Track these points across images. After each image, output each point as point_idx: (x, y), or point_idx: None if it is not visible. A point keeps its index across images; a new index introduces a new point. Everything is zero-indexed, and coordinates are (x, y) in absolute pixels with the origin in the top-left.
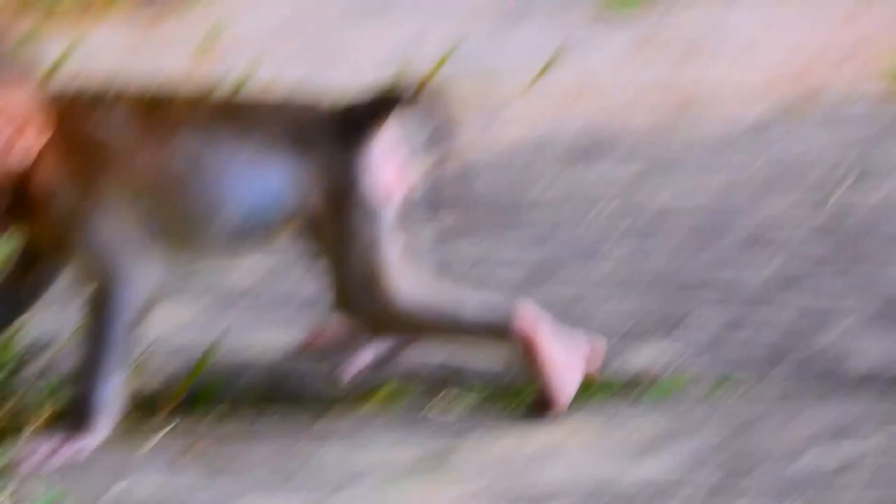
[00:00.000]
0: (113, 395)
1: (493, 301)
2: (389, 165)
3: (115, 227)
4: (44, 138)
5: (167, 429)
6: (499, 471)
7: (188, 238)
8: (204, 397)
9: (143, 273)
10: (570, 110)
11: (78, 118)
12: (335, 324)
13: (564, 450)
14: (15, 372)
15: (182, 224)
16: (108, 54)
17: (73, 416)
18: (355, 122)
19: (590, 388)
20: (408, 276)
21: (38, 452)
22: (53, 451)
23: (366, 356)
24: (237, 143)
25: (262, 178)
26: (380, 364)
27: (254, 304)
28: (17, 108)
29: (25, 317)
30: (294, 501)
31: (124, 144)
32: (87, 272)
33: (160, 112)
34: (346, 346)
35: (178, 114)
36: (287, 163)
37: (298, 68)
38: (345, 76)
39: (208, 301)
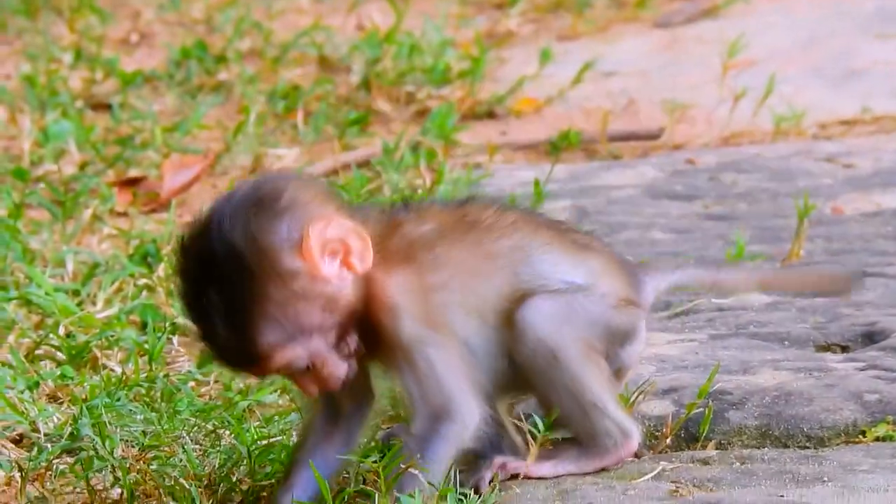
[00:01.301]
0: None
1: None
2: None
3: (452, 352)
4: (370, 260)
5: (653, 472)
6: None
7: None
8: (692, 439)
9: (473, 409)
10: None
11: (401, 233)
12: None
13: None
14: None
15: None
16: (632, 55)
17: None
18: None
19: None
20: None
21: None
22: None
23: None
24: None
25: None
26: None
27: (746, 343)
28: (340, 234)
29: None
30: None
31: (449, 252)
32: (419, 397)
33: (474, 218)
34: None
35: (491, 220)
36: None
37: (811, 90)
38: (856, 101)
39: (699, 340)
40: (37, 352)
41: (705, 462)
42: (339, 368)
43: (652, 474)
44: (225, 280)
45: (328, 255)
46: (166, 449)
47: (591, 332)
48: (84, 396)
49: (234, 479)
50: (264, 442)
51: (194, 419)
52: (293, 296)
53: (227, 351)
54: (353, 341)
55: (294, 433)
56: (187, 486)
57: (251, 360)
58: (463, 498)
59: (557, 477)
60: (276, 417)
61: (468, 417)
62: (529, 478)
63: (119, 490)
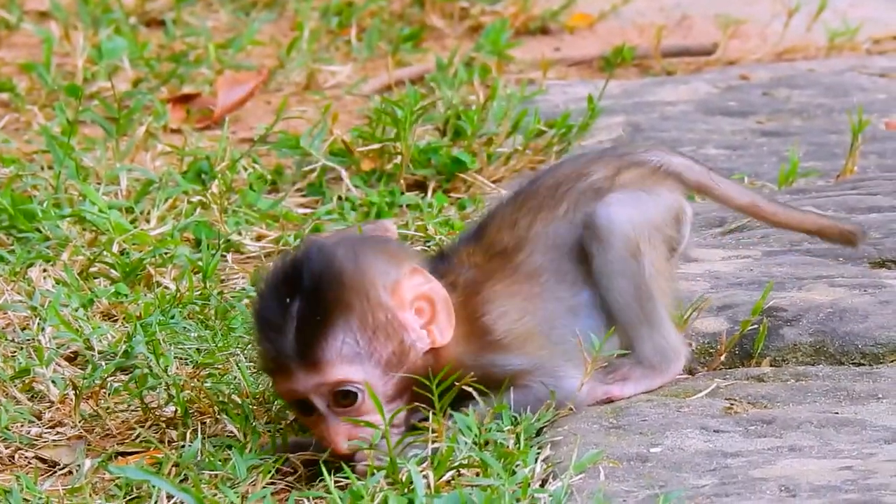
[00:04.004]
0: None
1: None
2: None
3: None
4: (449, 335)
5: (707, 389)
6: None
7: None
8: (746, 356)
9: (572, 377)
10: None
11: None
12: None
13: None
14: None
15: None
16: None
17: None
18: None
19: None
20: None
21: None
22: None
23: None
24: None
25: None
26: None
27: (800, 259)
28: (433, 296)
29: None
30: (833, 464)
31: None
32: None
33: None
34: None
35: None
36: None
37: (865, 5)
38: None
39: (753, 257)
40: (91, 269)
41: (760, 379)
42: (360, 430)
43: (706, 391)
44: (316, 289)
45: (415, 310)
46: (220, 366)
47: (663, 222)
48: (138, 314)
49: None
50: None
51: (248, 336)
52: (375, 320)
53: (288, 349)
54: (402, 413)
55: None
56: (241, 404)
57: (312, 361)
58: (517, 416)
59: (630, 397)
60: None
61: (566, 383)
62: (612, 400)
63: (173, 408)
